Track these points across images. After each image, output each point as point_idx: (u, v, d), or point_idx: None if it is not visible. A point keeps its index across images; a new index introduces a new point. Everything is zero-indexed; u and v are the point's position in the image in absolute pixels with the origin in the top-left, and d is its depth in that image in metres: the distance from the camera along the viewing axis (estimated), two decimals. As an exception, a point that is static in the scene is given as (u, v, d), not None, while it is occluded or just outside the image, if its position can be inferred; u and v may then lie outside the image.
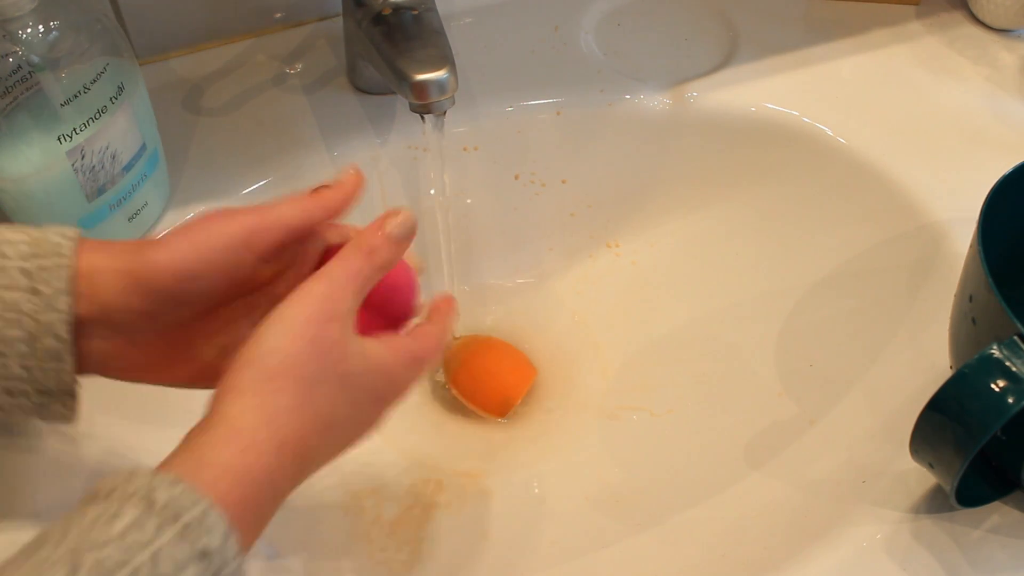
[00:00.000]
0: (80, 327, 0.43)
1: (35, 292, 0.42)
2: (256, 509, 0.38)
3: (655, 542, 0.63)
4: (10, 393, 0.43)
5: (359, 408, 0.44)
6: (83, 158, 0.56)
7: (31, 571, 0.32)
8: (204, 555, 0.34)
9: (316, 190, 0.47)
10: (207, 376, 0.48)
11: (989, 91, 0.76)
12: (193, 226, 0.44)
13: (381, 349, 0.45)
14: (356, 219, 0.72)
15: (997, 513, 0.52)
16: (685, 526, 0.63)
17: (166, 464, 0.38)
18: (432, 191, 0.73)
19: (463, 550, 0.64)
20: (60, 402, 0.44)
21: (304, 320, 0.41)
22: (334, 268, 0.43)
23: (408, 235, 0.46)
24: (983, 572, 0.50)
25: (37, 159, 0.55)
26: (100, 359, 0.45)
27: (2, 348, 0.42)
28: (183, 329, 0.47)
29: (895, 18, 0.82)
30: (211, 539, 0.35)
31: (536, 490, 0.69)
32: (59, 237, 0.43)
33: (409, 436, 0.71)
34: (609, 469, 0.69)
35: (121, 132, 0.59)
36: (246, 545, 0.37)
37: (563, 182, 0.78)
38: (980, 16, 0.81)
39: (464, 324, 0.77)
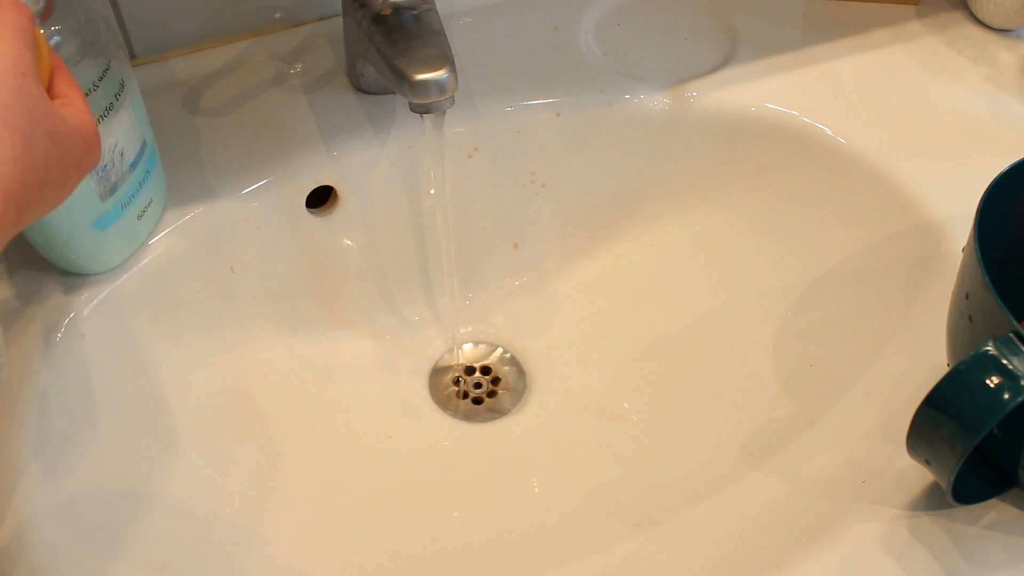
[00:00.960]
0: None
1: None
2: None
3: (655, 542, 0.63)
4: None
5: (66, 170, 0.43)
6: (96, 157, 0.57)
7: None
8: None
9: None
10: None
11: (989, 91, 0.76)
12: None
13: (77, 115, 0.44)
14: (356, 221, 0.73)
15: (995, 510, 0.52)
16: (684, 526, 0.63)
17: None
18: (432, 191, 0.73)
19: (463, 550, 0.64)
20: None
21: (3, 73, 0.40)
22: (3, 28, 0.42)
23: None
24: (980, 569, 0.50)
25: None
26: None
27: None
28: None
29: (895, 18, 0.82)
30: None
31: (536, 490, 0.69)
32: None
33: (409, 436, 0.71)
34: (609, 469, 0.69)
35: (126, 129, 0.59)
36: None
37: (563, 182, 0.78)
38: (980, 16, 0.81)
39: (464, 324, 0.77)
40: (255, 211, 0.68)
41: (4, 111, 0.39)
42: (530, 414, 0.74)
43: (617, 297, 0.78)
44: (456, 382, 0.75)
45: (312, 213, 0.72)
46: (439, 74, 0.60)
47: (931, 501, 0.53)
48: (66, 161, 0.43)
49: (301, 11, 0.78)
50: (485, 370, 0.76)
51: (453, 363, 0.76)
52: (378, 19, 0.64)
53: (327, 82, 0.74)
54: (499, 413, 0.74)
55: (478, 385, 0.75)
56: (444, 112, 0.63)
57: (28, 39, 0.42)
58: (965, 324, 0.51)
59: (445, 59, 0.61)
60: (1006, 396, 0.44)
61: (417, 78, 0.60)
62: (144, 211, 0.63)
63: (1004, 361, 0.45)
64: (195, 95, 0.72)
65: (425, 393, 0.74)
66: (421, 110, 0.62)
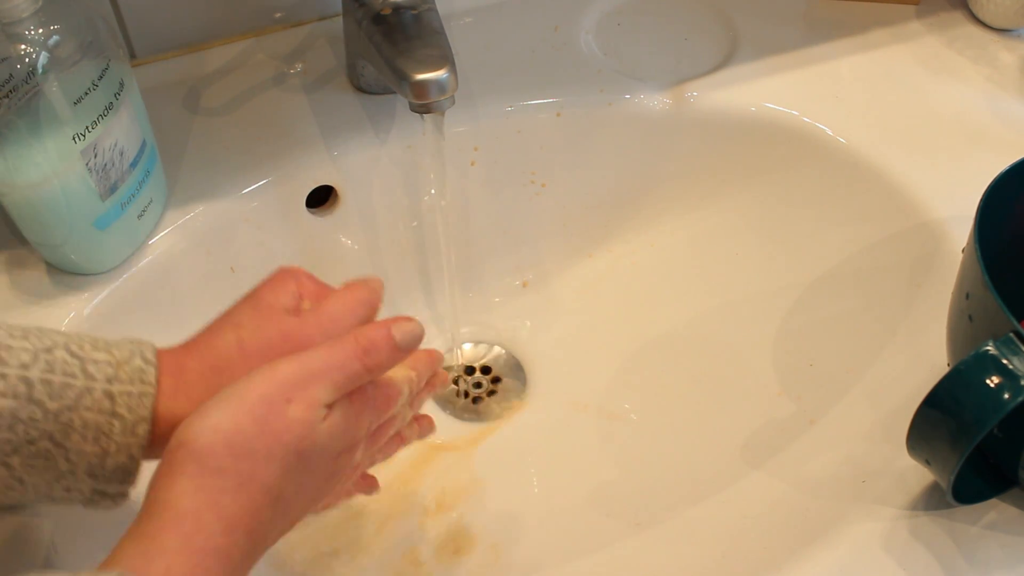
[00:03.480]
0: (154, 440, 0.44)
1: (116, 416, 0.42)
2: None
3: (655, 542, 0.63)
4: (68, 490, 0.44)
5: (317, 474, 0.42)
6: (96, 156, 0.56)
7: None
8: None
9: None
10: None
11: (989, 91, 0.76)
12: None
13: (344, 408, 0.43)
14: (356, 221, 0.73)
15: (995, 510, 0.52)
16: (685, 526, 0.63)
17: (111, 560, 0.36)
18: (432, 191, 0.73)
19: (463, 550, 0.64)
20: (111, 499, 0.45)
21: (256, 398, 0.40)
22: (315, 354, 0.41)
23: (413, 345, 0.44)
24: (980, 569, 0.50)
25: (52, 162, 0.55)
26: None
27: (75, 459, 0.42)
28: None
29: (895, 18, 0.82)
30: None
31: (536, 490, 0.69)
32: (141, 362, 0.44)
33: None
34: (608, 469, 0.69)
35: (125, 129, 0.59)
36: None
37: (563, 182, 0.78)
38: (980, 16, 0.81)
39: (464, 324, 0.77)
40: (255, 211, 0.68)
41: (231, 439, 0.39)
42: (530, 414, 0.74)
43: (617, 297, 0.78)
44: (456, 382, 0.75)
45: (312, 213, 0.72)
46: (439, 74, 0.60)
47: (931, 501, 0.53)
48: (313, 473, 0.42)
49: (301, 11, 0.78)
50: (485, 370, 0.76)
51: (453, 363, 0.76)
52: (378, 19, 0.64)
53: (327, 82, 0.74)
54: (499, 413, 0.74)
55: (478, 385, 0.75)
56: (444, 112, 0.63)
57: (338, 375, 0.42)
58: (965, 324, 0.51)
59: (445, 59, 0.61)
60: (1006, 396, 0.44)
61: (417, 78, 0.60)
62: (144, 211, 0.63)
63: (1004, 361, 0.45)
64: (195, 95, 0.72)
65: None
66: (421, 110, 0.62)
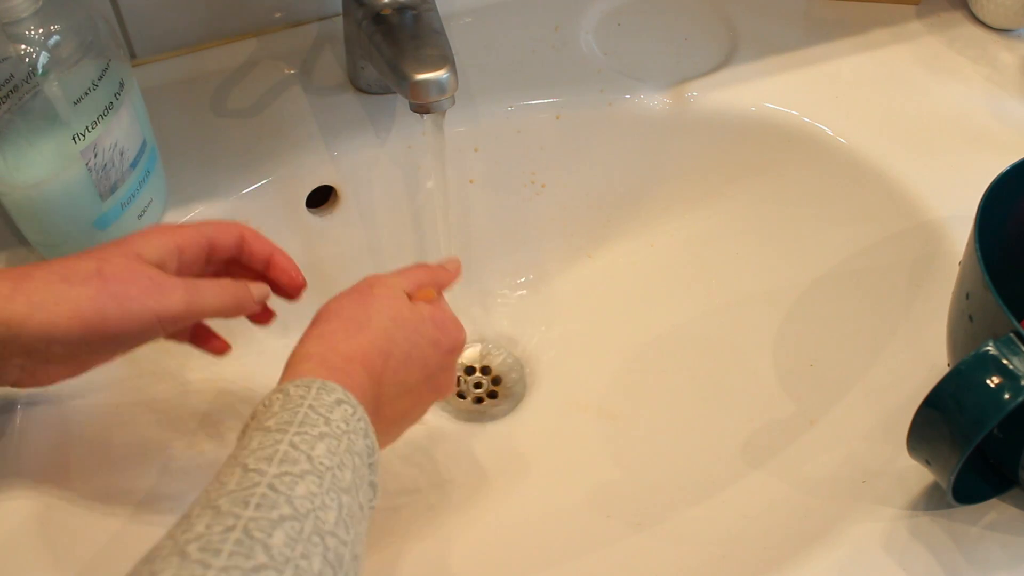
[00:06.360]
0: None
1: None
2: (353, 386, 0.47)
3: (655, 542, 0.63)
4: None
5: (418, 347, 0.52)
6: (96, 156, 0.56)
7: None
8: (339, 402, 0.45)
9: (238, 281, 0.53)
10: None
11: (989, 91, 0.76)
12: (98, 295, 0.47)
13: (430, 307, 0.54)
14: (357, 221, 0.73)
15: (995, 510, 0.52)
16: (684, 526, 0.63)
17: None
18: (432, 191, 0.73)
19: (462, 549, 0.64)
20: None
21: (351, 289, 0.53)
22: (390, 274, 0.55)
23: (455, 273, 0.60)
24: (980, 569, 0.50)
25: (51, 162, 0.55)
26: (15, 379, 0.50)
27: None
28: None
29: (895, 18, 0.82)
30: (337, 393, 0.45)
31: (536, 490, 0.69)
32: None
33: (409, 436, 0.71)
34: (608, 469, 0.69)
35: (125, 129, 0.59)
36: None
37: (563, 182, 0.78)
38: (980, 16, 0.81)
39: (464, 324, 0.77)
40: (255, 211, 0.68)
41: (336, 308, 0.51)
42: (530, 414, 0.74)
43: (617, 297, 0.78)
44: (456, 382, 0.75)
45: (312, 213, 0.72)
46: (439, 74, 0.60)
47: (931, 501, 0.53)
48: (414, 340, 0.52)
49: (301, 11, 0.78)
50: (485, 370, 0.76)
51: (453, 363, 0.76)
52: (378, 19, 0.64)
53: (327, 82, 0.74)
54: (499, 413, 0.74)
55: (478, 385, 0.75)
56: (444, 112, 0.63)
57: (410, 275, 0.56)
58: (966, 324, 0.51)
59: (445, 59, 0.61)
60: (1006, 396, 0.44)
61: (417, 78, 0.60)
62: (144, 211, 0.63)
63: (1004, 361, 0.45)
64: (195, 95, 0.72)
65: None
66: (421, 110, 0.62)
